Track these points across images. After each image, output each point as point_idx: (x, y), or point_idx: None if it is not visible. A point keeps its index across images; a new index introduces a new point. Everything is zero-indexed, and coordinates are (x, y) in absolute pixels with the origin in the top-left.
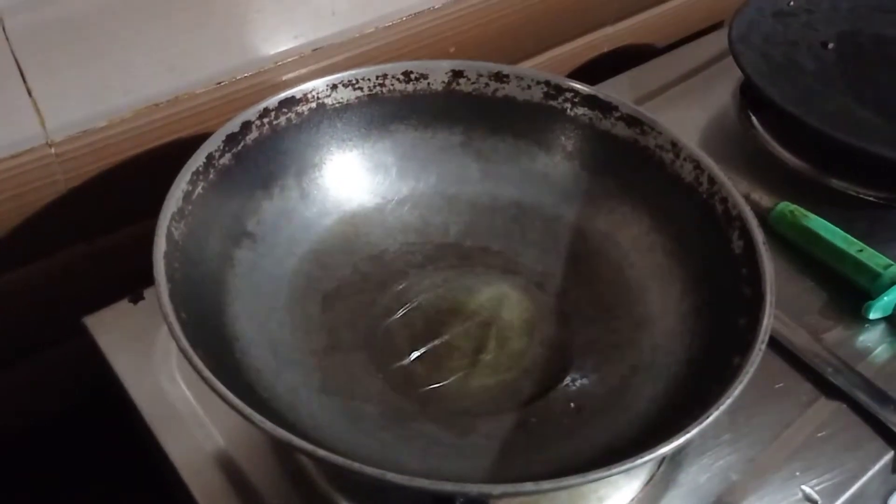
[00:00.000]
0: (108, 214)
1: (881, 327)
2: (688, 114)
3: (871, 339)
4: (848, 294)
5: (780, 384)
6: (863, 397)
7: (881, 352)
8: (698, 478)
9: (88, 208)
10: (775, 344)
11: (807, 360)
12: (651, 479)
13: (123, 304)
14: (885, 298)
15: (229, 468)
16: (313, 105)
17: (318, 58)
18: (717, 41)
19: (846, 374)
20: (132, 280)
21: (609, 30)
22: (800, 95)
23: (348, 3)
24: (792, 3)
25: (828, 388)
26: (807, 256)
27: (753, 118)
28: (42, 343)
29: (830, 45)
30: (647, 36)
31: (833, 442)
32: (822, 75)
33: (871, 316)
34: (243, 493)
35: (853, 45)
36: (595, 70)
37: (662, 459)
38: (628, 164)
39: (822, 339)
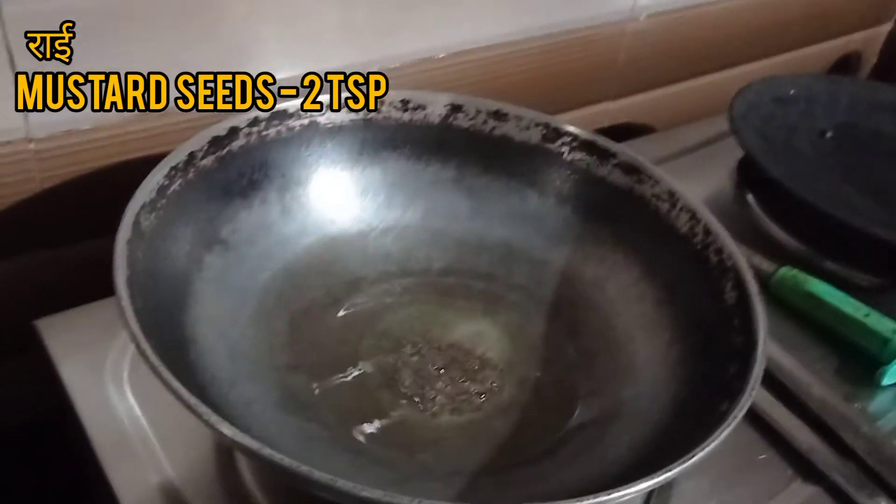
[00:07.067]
0: (79, 222)
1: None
2: (684, 188)
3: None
4: (857, 360)
5: (763, 456)
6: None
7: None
8: None
9: (60, 212)
10: (757, 419)
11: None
12: None
13: (80, 310)
14: None
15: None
16: (305, 122)
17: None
18: (715, 124)
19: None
20: (95, 295)
21: (610, 105)
22: (797, 176)
23: (351, 43)
24: (792, 91)
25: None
26: (810, 322)
27: (750, 196)
28: None
29: (828, 134)
30: (646, 117)
31: None
32: (820, 160)
33: (885, 382)
34: None
35: (851, 136)
36: None
37: None
38: (622, 212)
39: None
